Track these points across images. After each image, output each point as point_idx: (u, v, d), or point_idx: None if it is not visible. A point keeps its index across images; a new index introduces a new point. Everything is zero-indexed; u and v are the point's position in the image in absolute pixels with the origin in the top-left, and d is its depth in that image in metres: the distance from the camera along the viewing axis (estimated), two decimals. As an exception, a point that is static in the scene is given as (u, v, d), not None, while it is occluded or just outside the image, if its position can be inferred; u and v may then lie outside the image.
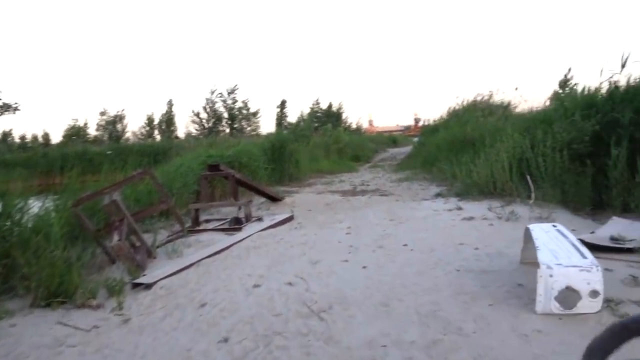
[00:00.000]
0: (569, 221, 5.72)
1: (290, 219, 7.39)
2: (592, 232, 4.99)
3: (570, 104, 7.58)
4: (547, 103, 15.88)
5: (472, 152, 9.68)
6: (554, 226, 3.67)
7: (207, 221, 7.64)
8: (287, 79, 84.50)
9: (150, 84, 76.72)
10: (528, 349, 2.69)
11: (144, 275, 4.75)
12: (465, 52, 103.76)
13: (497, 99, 17.39)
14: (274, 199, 9.38)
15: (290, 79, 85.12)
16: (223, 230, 6.74)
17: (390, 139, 40.74)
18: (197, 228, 7.00)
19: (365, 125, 56.03)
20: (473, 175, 7.97)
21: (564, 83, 39.06)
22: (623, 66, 7.44)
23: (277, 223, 6.93)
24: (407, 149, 28.14)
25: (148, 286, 4.42)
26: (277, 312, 3.54)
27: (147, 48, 79.83)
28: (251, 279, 4.43)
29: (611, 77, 7.60)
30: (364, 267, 4.49)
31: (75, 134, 47.21)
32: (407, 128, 60.89)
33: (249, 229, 6.63)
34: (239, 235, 6.25)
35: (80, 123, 48.66)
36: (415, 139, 33.16)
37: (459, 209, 6.94)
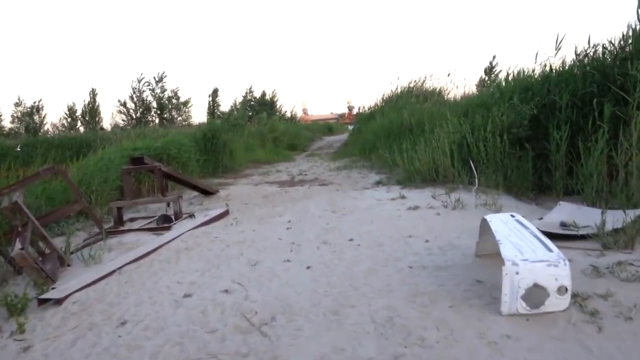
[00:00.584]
0: (515, 207, 5.60)
1: (225, 214, 6.84)
2: (541, 219, 4.86)
3: (507, 88, 7.51)
4: (475, 89, 16.30)
5: (411, 139, 9.52)
6: (512, 216, 3.42)
7: (133, 220, 6.94)
8: (218, 67, 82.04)
9: (71, 72, 71.59)
10: (499, 359, 2.38)
11: (54, 288, 4.08)
12: (395, 39, 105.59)
13: (429, 84, 17.61)
14: (207, 192, 8.76)
15: (222, 66, 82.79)
16: (150, 230, 6.09)
17: (325, 126, 40.43)
18: (121, 228, 6.30)
19: (299, 113, 55.45)
20: (415, 163, 7.76)
21: (489, 70, 40.58)
22: (557, 49, 7.46)
23: (210, 219, 6.37)
24: (343, 136, 28.01)
25: (58, 301, 3.77)
26: (212, 328, 3.05)
27: (65, 33, 74.55)
28: (181, 287, 3.89)
29: (546, 60, 7.63)
30: (309, 268, 4.08)
31: (-13, 127, 43.21)
32: (342, 116, 60.97)
33: (180, 227, 6.02)
34: (168, 235, 5.64)
35: (-7, 115, 44.55)
36: (351, 127, 33.14)
37: (403, 197, 6.69)
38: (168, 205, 6.72)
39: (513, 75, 8.14)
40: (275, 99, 50.07)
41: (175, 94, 45.68)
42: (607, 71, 6.29)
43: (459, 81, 27.62)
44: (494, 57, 39.17)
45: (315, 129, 35.44)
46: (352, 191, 8.17)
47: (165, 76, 44.97)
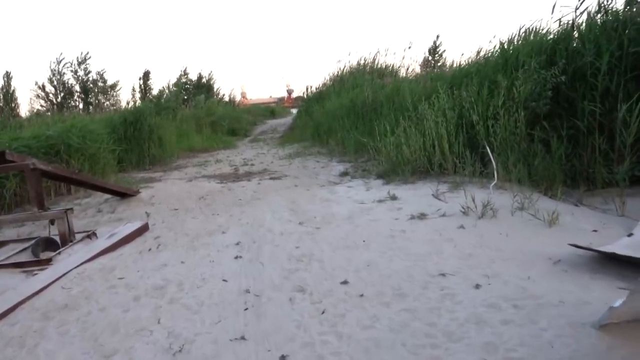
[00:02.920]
0: (570, 213, 3.90)
1: (143, 230, 4.73)
2: (630, 235, 3.17)
3: (524, 50, 5.81)
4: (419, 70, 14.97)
5: (384, 119, 7.73)
6: None
7: (1, 245, 4.69)
8: (150, 48, 76.64)
9: (-19, 54, 64.14)
10: None
11: None
12: (333, 22, 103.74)
13: (383, 61, 16.10)
14: (122, 194, 6.54)
15: (154, 48, 77.58)
16: (18, 265, 3.90)
17: (267, 110, 38.11)
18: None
19: (238, 97, 52.78)
20: (403, 150, 5.91)
21: (433, 50, 39.83)
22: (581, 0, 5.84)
23: (118, 242, 4.26)
24: (287, 119, 25.98)
25: None
26: None
27: (-27, 11, 66.52)
28: None
29: (566, 15, 6.03)
30: (283, 358, 2.15)
31: None
32: (281, 99, 59.04)
33: (67, 258, 3.89)
34: (43, 276, 3.51)
35: None
36: (294, 110, 30.96)
37: (394, 198, 4.86)
38: (52, 223, 4.50)
39: (519, 36, 6.42)
40: (212, 82, 47.04)
41: (102, 76, 41.74)
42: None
43: (416, 56, 26.32)
44: (437, 36, 38.31)
45: (256, 112, 33.07)
46: (318, 188, 6.25)
47: (90, 57, 40.82)
